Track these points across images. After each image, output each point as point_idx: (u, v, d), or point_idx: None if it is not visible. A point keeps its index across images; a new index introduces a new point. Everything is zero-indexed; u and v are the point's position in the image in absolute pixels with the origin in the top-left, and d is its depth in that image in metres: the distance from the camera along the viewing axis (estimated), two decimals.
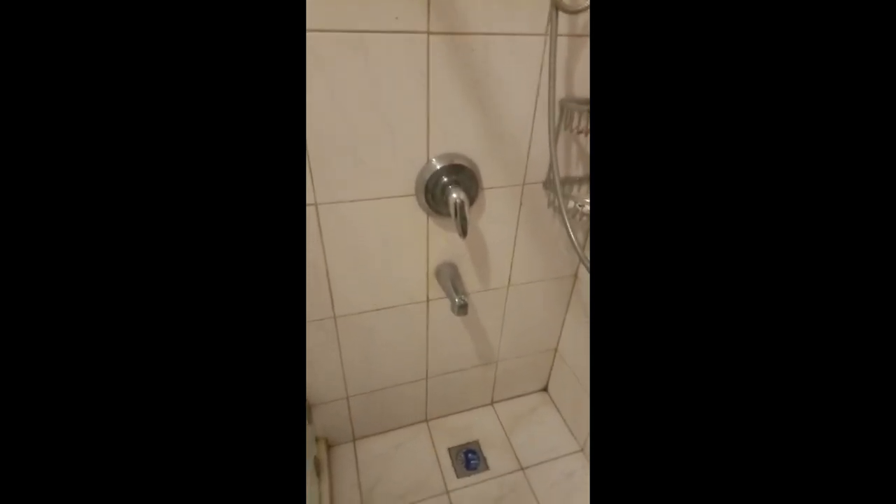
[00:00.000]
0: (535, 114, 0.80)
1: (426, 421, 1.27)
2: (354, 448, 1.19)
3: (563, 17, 0.70)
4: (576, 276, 1.10)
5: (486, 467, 1.16)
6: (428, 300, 0.99)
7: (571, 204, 0.86)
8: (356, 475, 1.12)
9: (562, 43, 0.74)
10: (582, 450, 1.20)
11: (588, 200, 0.84)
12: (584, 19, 0.73)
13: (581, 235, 1.02)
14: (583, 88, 0.80)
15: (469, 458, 1.17)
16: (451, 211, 0.77)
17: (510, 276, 1.02)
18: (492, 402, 1.33)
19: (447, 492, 1.10)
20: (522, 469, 1.16)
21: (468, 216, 0.78)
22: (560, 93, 0.79)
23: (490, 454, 1.19)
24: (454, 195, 0.76)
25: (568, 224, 0.79)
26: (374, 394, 1.12)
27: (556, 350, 1.27)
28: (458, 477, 1.13)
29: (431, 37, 0.66)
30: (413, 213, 0.84)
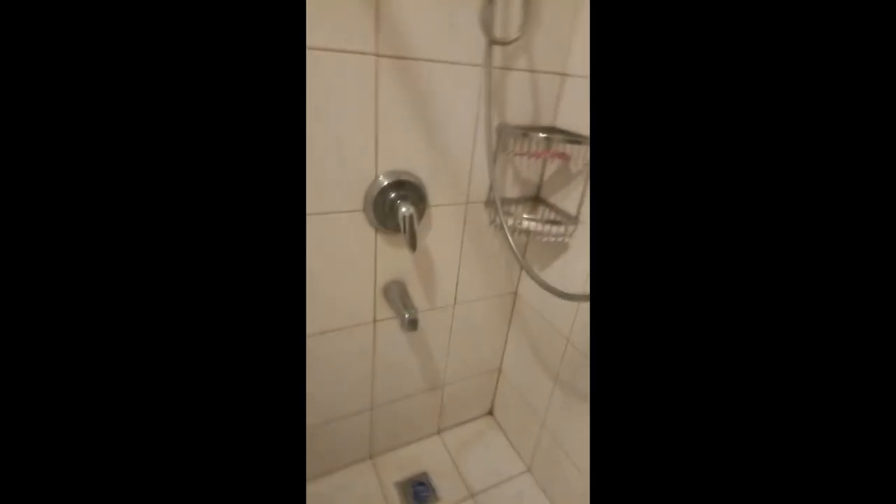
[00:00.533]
0: (475, 137, 0.86)
1: (371, 458, 1.20)
2: None
3: (497, 50, 0.78)
4: (516, 293, 1.15)
5: (437, 498, 1.11)
6: (375, 321, 0.97)
7: (511, 221, 0.92)
8: None
9: (496, 74, 0.82)
10: (528, 469, 1.21)
11: (525, 216, 0.91)
12: (515, 53, 0.82)
13: (519, 251, 1.08)
14: (516, 115, 0.89)
15: (418, 491, 1.12)
16: (401, 224, 0.79)
17: (456, 293, 1.05)
18: (438, 431, 1.30)
19: None
20: (473, 496, 1.13)
21: (417, 230, 0.80)
22: (496, 119, 0.86)
23: (440, 484, 1.15)
24: (403, 209, 0.78)
25: (511, 240, 0.84)
26: (315, 429, 1.04)
27: (499, 370, 1.29)
28: None
29: (380, 59, 0.70)
30: (361, 229, 0.84)
